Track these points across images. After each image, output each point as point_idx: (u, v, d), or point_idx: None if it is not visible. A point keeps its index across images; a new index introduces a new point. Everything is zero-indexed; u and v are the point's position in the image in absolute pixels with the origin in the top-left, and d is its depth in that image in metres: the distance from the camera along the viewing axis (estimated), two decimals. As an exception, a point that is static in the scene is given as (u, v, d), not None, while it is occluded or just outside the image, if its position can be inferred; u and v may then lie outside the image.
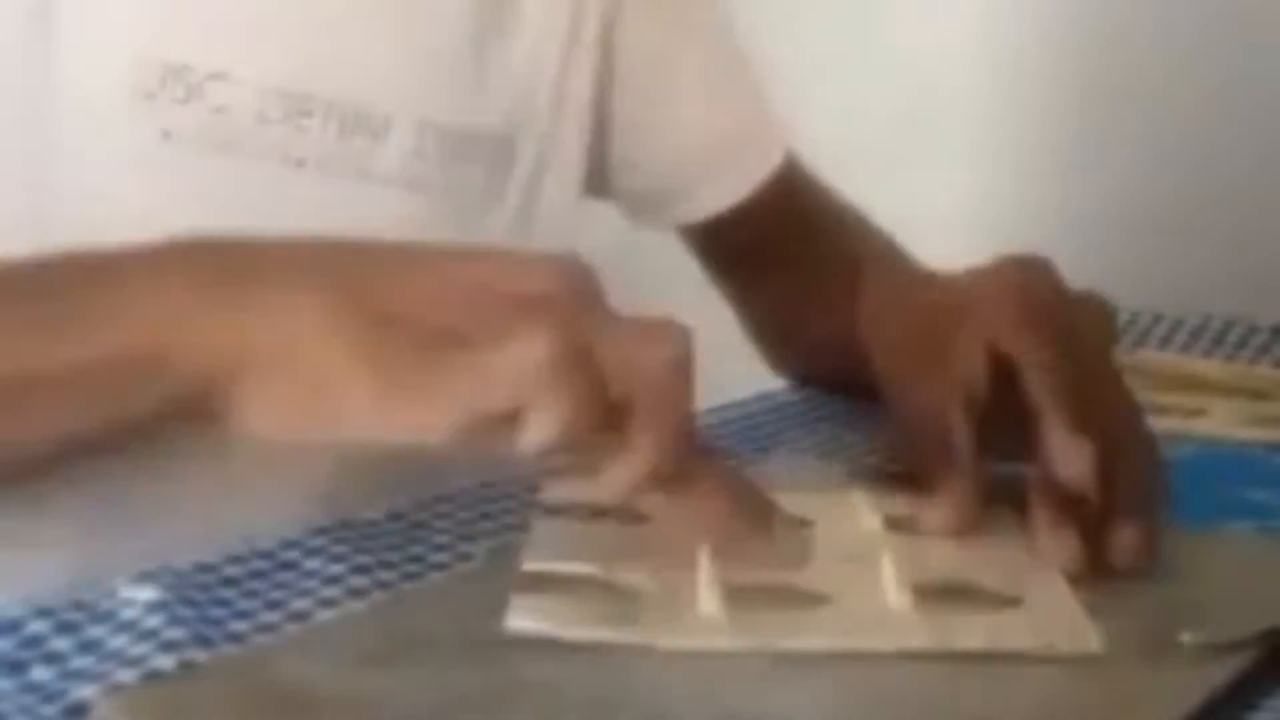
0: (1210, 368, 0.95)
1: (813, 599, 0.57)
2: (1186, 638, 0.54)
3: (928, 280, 0.79)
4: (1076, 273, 1.14)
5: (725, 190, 0.91)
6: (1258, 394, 0.88)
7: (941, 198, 1.31)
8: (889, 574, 0.57)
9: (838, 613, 0.56)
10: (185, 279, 0.55)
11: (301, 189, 0.72)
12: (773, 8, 1.41)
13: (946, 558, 0.61)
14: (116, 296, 0.55)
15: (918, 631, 0.54)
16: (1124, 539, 0.60)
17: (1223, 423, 0.83)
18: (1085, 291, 0.71)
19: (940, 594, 0.57)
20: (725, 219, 0.91)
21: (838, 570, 0.58)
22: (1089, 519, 0.61)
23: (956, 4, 1.31)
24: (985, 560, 0.61)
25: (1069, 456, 0.62)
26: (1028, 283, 0.70)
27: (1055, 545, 0.61)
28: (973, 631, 0.54)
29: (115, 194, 0.68)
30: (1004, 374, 0.66)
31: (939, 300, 0.73)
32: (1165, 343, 1.02)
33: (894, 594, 0.56)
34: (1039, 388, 0.64)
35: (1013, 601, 0.57)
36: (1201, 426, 0.82)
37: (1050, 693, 0.52)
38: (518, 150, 0.80)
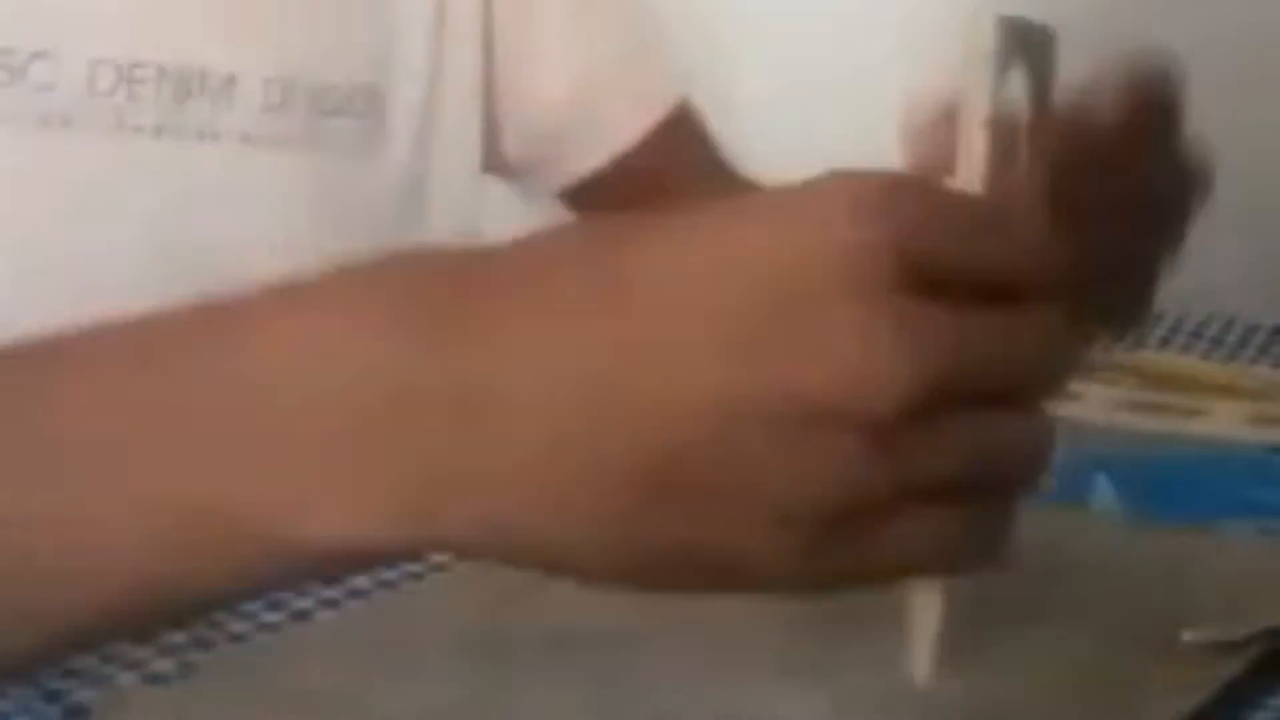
0: (1210, 368, 0.95)
1: None
2: (1187, 637, 0.54)
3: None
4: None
5: (595, 146, 0.85)
6: (1258, 394, 0.88)
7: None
8: None
9: None
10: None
11: (140, 155, 0.71)
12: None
13: None
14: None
15: None
16: None
17: (1223, 423, 0.83)
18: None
19: None
20: (609, 184, 0.85)
21: None
22: None
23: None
24: None
25: None
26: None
27: None
28: None
29: None
30: None
31: None
32: (1165, 343, 1.02)
33: None
34: None
35: None
36: (1201, 426, 0.82)
37: (1051, 691, 0.52)
38: (391, 101, 0.78)
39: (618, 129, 0.85)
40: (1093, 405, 0.86)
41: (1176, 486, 0.63)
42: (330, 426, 0.40)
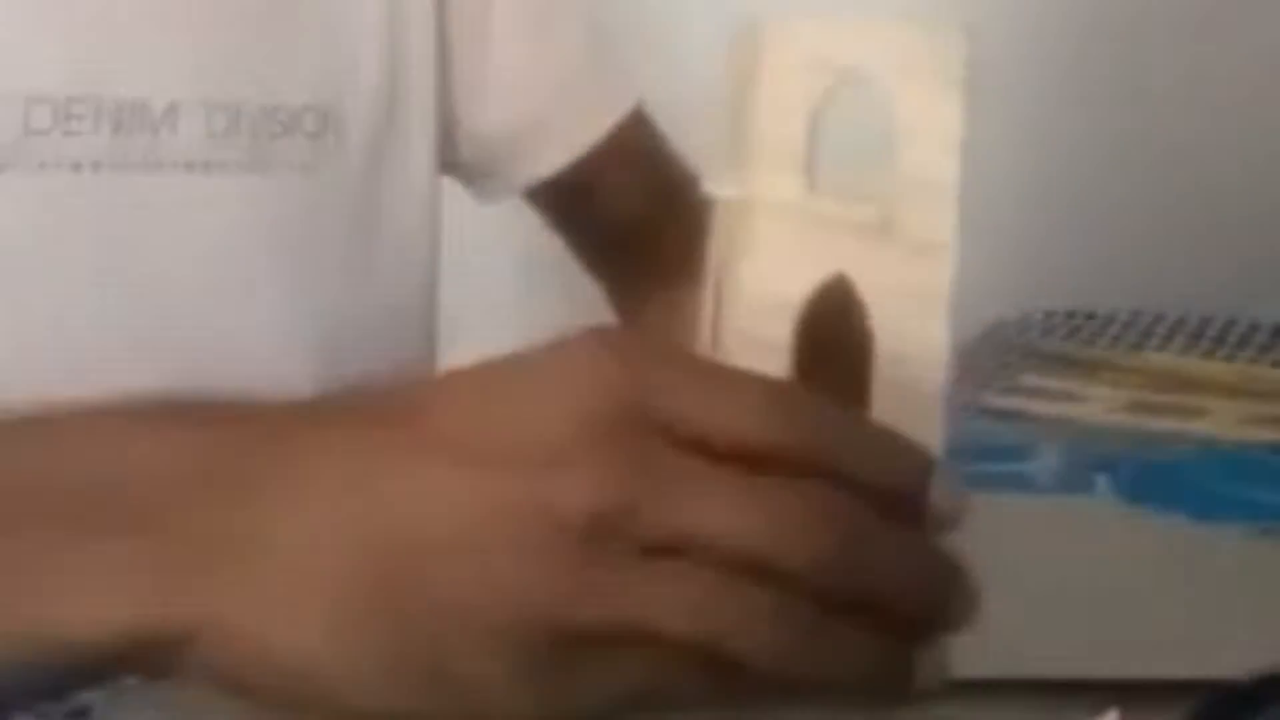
0: (1211, 368, 0.95)
1: None
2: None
3: None
4: (1078, 273, 1.14)
5: (551, 153, 0.86)
6: (1258, 394, 0.88)
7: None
8: None
9: None
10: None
11: (80, 191, 0.69)
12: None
13: None
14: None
15: None
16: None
17: (1223, 423, 0.83)
18: None
19: None
20: (566, 184, 0.86)
21: None
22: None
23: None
24: None
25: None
26: None
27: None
28: None
29: None
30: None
31: None
32: (1165, 343, 1.02)
33: None
34: None
35: None
36: (1201, 426, 0.82)
37: (1050, 690, 0.52)
38: (344, 118, 0.77)
39: (573, 136, 0.86)
40: (1093, 405, 0.87)
41: (1176, 487, 0.64)
42: (93, 514, 0.43)
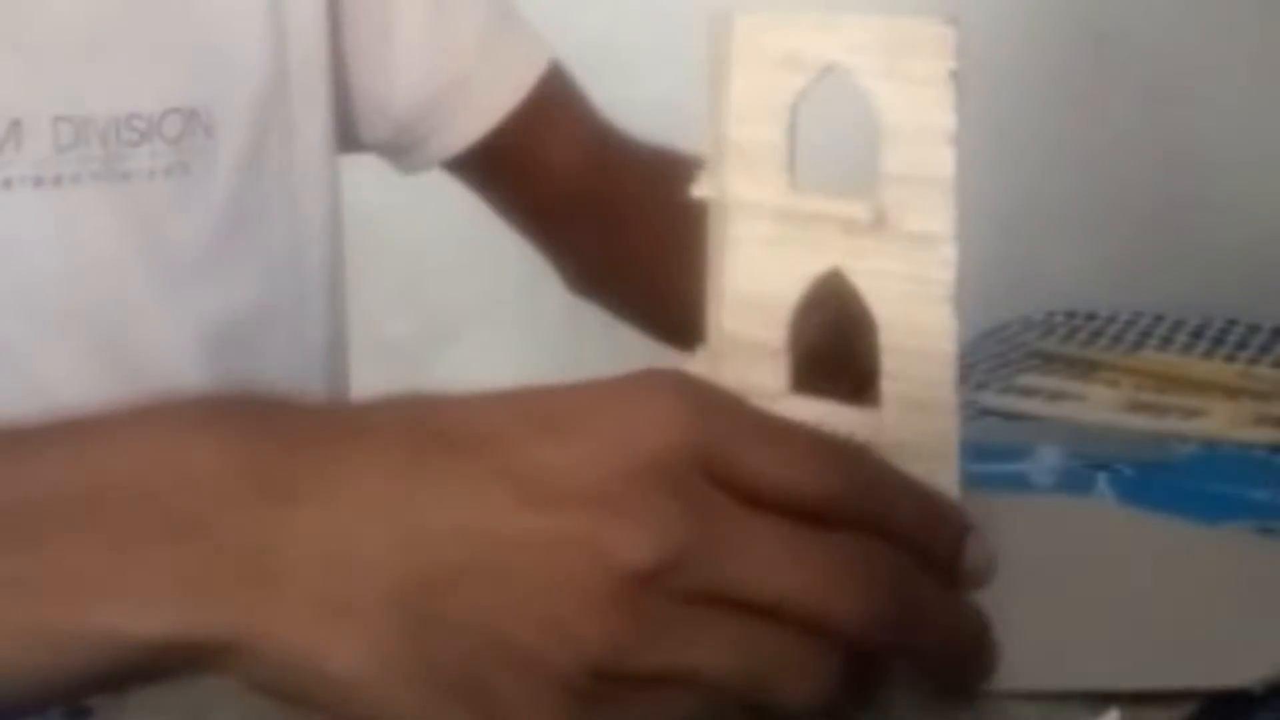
0: (1211, 368, 0.95)
1: None
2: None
3: None
4: (1078, 274, 1.13)
5: (469, 124, 0.86)
6: (1259, 395, 0.88)
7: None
8: None
9: None
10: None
11: None
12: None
13: None
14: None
15: None
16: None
17: (1223, 423, 0.83)
18: None
19: None
20: (488, 151, 0.86)
21: None
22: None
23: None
24: None
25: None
26: None
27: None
28: None
29: None
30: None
31: None
32: (1166, 343, 1.02)
33: None
34: None
35: None
36: (1201, 426, 0.82)
37: (1050, 693, 0.52)
38: (218, 117, 0.76)
39: (490, 104, 0.86)
40: (1093, 405, 0.87)
41: (1176, 487, 0.63)
42: (138, 520, 0.42)
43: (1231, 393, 0.88)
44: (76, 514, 0.42)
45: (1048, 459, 0.70)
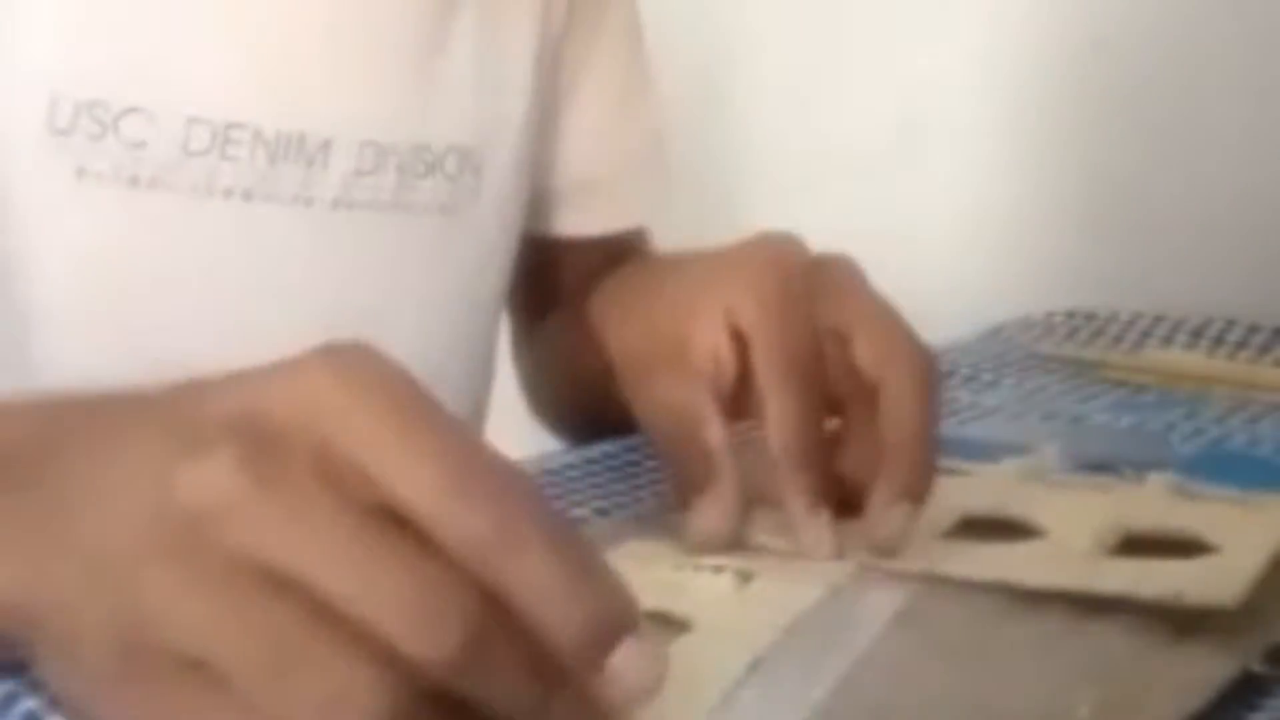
0: (1211, 368, 0.95)
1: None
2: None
3: (668, 268, 0.71)
4: (1078, 274, 1.13)
5: (609, 214, 0.88)
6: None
7: (940, 202, 1.32)
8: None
9: None
10: None
11: (227, 219, 0.69)
12: (765, 14, 1.41)
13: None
14: None
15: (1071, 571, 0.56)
16: (879, 522, 0.57)
17: (1223, 423, 0.83)
18: (836, 255, 0.64)
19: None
20: (558, 254, 0.88)
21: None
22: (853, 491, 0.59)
23: (952, 3, 1.32)
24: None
25: (775, 427, 0.58)
26: (765, 256, 0.63)
27: (810, 533, 0.58)
28: (1121, 573, 0.55)
29: (32, 235, 0.66)
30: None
31: (676, 290, 0.65)
32: (1166, 343, 1.02)
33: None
34: (758, 359, 0.60)
35: (1209, 548, 0.58)
36: (1201, 426, 0.82)
37: (1051, 693, 0.52)
38: (485, 160, 0.78)
39: (632, 207, 0.89)
40: (1093, 405, 0.87)
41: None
42: None
43: (1231, 393, 0.89)
44: None
45: (1048, 459, 0.70)
